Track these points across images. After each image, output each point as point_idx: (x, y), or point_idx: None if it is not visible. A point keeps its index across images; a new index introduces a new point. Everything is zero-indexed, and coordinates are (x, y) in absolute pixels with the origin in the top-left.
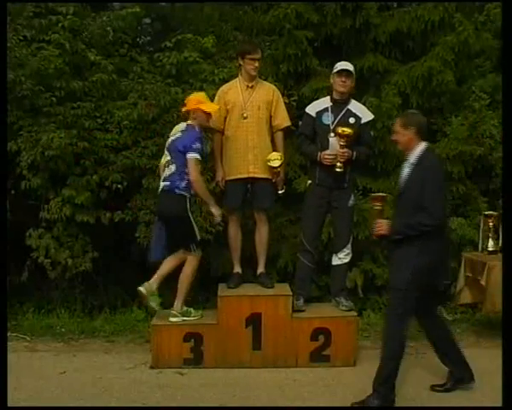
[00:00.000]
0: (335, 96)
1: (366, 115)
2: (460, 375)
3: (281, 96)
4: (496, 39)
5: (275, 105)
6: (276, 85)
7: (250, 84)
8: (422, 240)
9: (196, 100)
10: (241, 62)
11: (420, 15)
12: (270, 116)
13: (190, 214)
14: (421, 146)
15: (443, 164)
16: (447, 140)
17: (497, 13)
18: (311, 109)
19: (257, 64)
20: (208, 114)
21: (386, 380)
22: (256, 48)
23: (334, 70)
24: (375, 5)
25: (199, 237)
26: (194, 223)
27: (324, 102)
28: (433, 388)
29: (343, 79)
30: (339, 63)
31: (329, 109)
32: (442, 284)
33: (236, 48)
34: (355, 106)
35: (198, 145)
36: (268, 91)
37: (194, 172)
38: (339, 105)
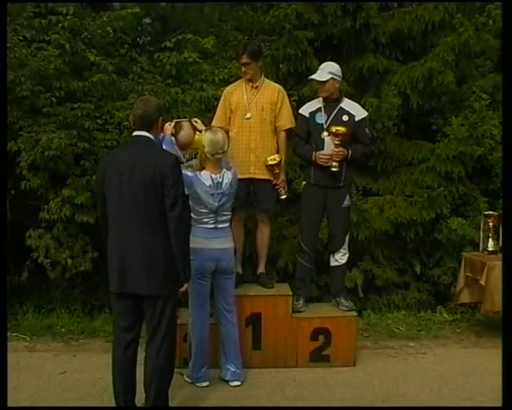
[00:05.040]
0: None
1: (360, 113)
2: None
3: (286, 97)
4: (496, 39)
5: (279, 106)
6: None
7: (255, 85)
8: None
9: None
10: None
11: (420, 16)
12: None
13: None
14: None
15: None
16: (447, 140)
17: (497, 14)
18: (305, 110)
19: (244, 69)
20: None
21: None
22: (240, 53)
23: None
24: (376, 5)
25: None
26: None
27: (317, 102)
28: None
29: (318, 87)
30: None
31: (322, 109)
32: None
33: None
34: (348, 104)
35: None
36: (273, 92)
37: None
38: (331, 104)
